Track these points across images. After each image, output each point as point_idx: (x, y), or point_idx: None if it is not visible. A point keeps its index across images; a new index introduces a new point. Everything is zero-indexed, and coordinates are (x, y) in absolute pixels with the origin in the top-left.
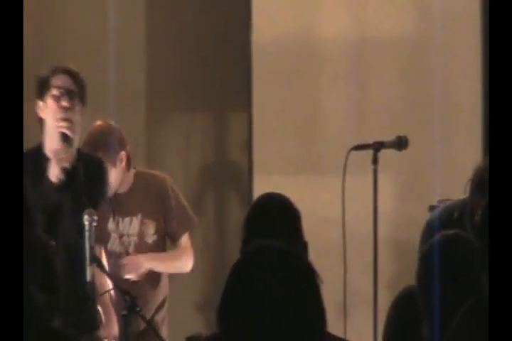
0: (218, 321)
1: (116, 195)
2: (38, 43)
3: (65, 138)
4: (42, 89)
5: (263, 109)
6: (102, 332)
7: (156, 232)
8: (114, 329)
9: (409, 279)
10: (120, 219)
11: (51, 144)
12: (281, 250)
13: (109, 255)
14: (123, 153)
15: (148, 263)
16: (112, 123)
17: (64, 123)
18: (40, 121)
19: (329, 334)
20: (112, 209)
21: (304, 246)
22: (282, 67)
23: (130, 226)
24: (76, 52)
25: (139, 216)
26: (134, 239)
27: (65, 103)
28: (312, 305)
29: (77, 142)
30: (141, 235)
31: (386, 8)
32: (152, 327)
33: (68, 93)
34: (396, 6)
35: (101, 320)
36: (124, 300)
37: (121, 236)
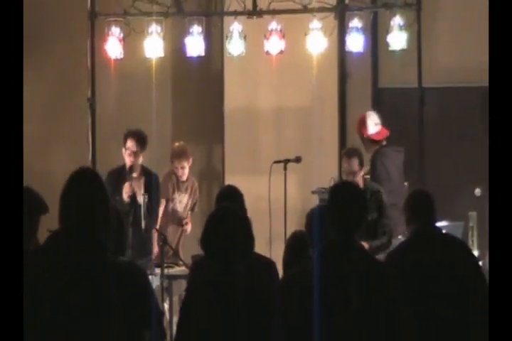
0: (201, 246)
1: (182, 181)
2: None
3: (131, 171)
4: (124, 142)
5: (231, 142)
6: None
7: (189, 205)
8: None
9: (301, 227)
10: (180, 193)
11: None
12: (228, 207)
13: (174, 211)
14: (190, 159)
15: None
16: (183, 143)
17: (131, 164)
18: (123, 157)
19: (259, 254)
20: (176, 188)
21: (245, 210)
22: (242, 120)
23: (184, 198)
24: (137, 114)
25: (187, 194)
26: (183, 205)
27: (131, 158)
28: (245, 236)
29: (138, 168)
30: (187, 204)
31: (296, 91)
32: (176, 252)
33: (134, 153)
34: (299, 91)
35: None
36: (161, 237)
37: (180, 201)
